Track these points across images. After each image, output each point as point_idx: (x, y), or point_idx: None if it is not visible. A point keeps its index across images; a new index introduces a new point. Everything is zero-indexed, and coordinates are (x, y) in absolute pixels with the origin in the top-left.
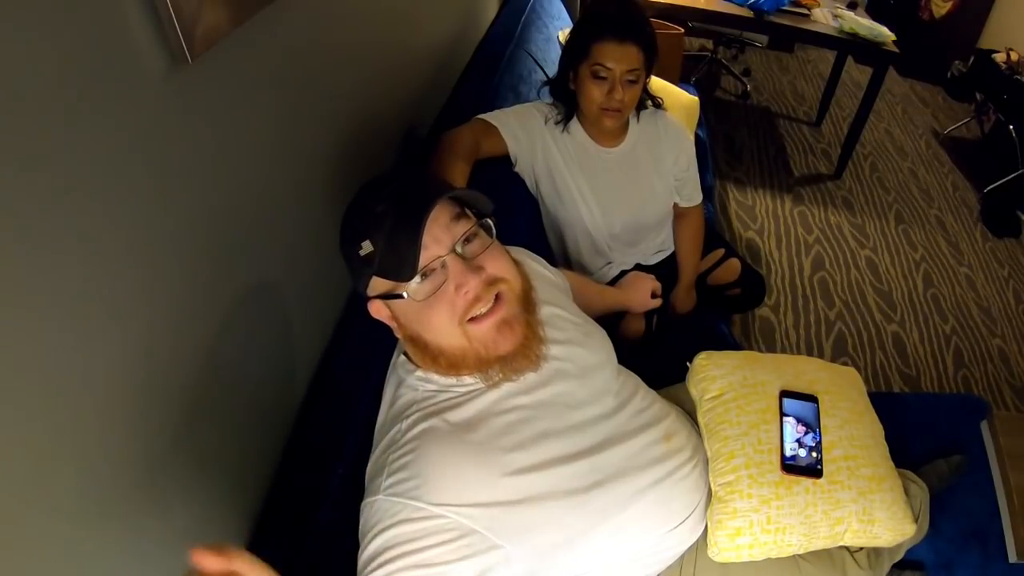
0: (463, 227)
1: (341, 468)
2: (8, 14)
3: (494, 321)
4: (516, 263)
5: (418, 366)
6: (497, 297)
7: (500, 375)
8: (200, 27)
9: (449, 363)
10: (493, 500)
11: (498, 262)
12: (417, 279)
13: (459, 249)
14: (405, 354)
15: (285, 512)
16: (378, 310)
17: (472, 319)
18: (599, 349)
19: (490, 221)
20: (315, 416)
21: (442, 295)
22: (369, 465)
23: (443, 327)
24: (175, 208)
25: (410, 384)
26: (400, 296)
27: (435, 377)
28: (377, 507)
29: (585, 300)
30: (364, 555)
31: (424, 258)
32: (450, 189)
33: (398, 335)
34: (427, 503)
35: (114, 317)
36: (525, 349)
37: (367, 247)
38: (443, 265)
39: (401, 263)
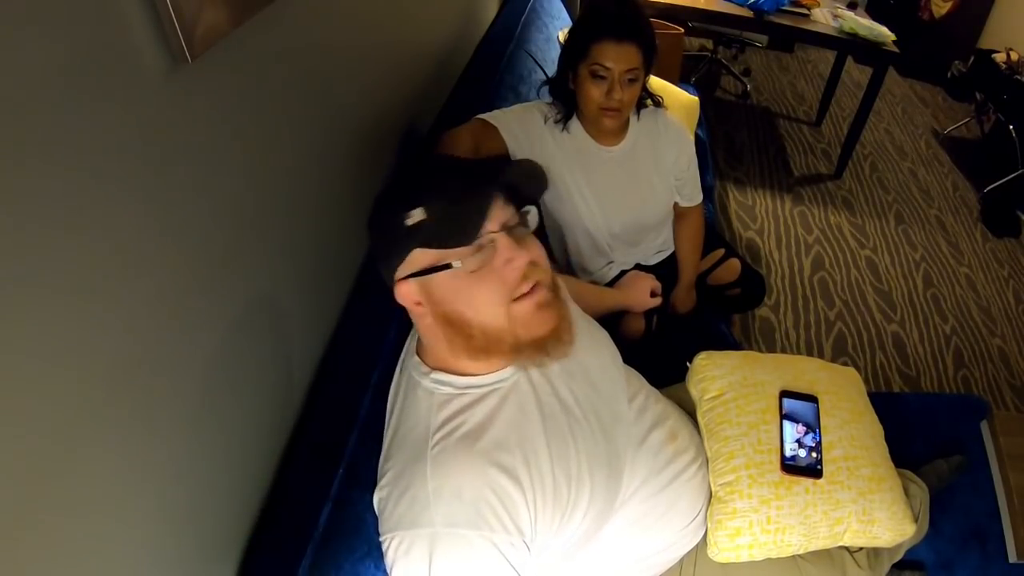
0: (511, 210)
1: (341, 468)
2: (8, 14)
3: (535, 302)
4: None
5: (432, 368)
6: (536, 283)
7: (531, 360)
8: (200, 27)
9: (483, 345)
10: (529, 501)
11: (537, 249)
12: (470, 249)
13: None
14: (417, 355)
15: (285, 512)
16: (407, 293)
17: (516, 298)
18: (603, 350)
19: (535, 210)
20: (315, 416)
21: (491, 269)
22: (390, 490)
23: (488, 303)
24: (175, 207)
25: (425, 387)
26: (448, 267)
27: (451, 379)
28: (431, 540)
29: (583, 303)
30: None
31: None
32: (512, 164)
33: (423, 322)
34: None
35: (113, 315)
36: (558, 332)
37: (418, 215)
38: (492, 242)
39: (462, 227)
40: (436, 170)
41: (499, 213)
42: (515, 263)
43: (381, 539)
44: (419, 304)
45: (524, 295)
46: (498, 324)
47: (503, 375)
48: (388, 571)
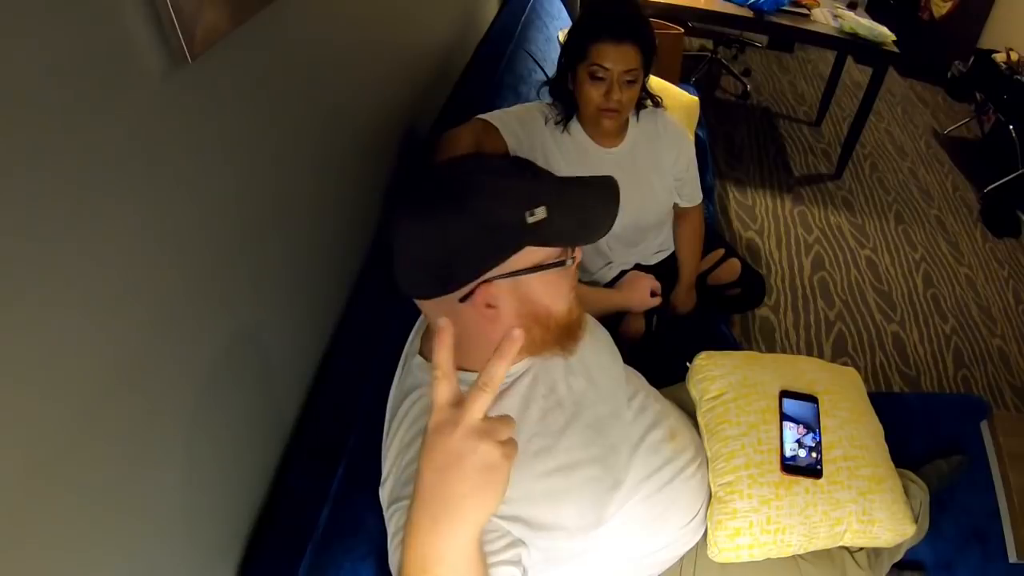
0: None
1: (341, 468)
2: (7, 14)
3: (573, 288)
4: None
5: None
6: None
7: (560, 347)
8: (200, 27)
9: (559, 332)
10: (518, 497)
11: None
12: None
13: None
14: (421, 355)
15: (285, 512)
16: (491, 295)
17: None
18: (604, 348)
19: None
20: (315, 416)
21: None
22: (390, 471)
23: (565, 294)
24: (174, 207)
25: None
26: (562, 263)
27: (463, 375)
28: None
29: (583, 304)
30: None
31: None
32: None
33: (480, 324)
34: None
35: (112, 315)
36: (580, 320)
37: (541, 213)
38: None
39: (593, 225)
40: (530, 172)
41: None
42: (579, 260)
43: (386, 516)
44: (490, 307)
45: None
46: (566, 310)
47: (514, 370)
48: (390, 542)
